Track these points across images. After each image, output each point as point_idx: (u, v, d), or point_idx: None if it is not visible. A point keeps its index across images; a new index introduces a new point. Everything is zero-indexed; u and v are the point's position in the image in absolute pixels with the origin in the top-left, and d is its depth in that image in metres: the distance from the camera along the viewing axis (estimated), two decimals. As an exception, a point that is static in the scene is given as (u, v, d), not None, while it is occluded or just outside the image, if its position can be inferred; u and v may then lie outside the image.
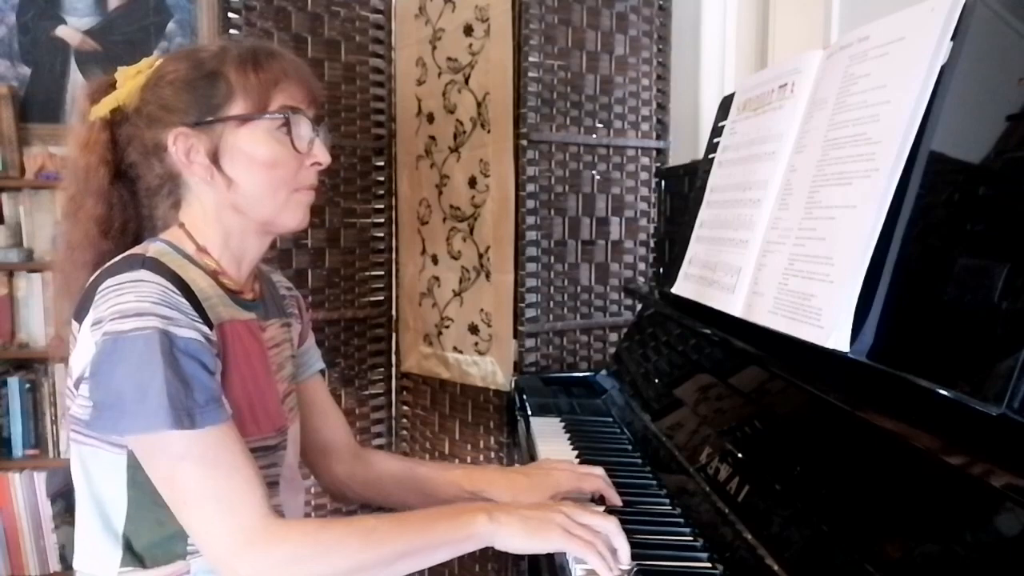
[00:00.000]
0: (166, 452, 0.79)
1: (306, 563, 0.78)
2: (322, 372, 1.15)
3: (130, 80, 0.92)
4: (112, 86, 0.93)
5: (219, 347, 0.86)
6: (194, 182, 0.91)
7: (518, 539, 0.80)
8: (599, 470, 1.01)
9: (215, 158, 0.88)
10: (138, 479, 0.83)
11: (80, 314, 0.83)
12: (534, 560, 0.88)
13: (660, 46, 1.94)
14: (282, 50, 0.94)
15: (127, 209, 0.95)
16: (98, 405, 0.79)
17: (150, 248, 0.88)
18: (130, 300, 0.79)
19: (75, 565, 0.90)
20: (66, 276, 0.93)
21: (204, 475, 0.79)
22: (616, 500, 0.97)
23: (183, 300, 0.82)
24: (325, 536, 0.80)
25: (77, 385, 0.83)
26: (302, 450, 1.12)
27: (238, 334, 0.91)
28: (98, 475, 0.86)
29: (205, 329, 0.83)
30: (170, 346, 0.78)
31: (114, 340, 0.77)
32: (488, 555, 1.87)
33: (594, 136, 1.87)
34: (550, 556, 0.88)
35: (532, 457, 1.22)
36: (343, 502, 1.80)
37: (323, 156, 0.94)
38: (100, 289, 0.81)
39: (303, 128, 0.91)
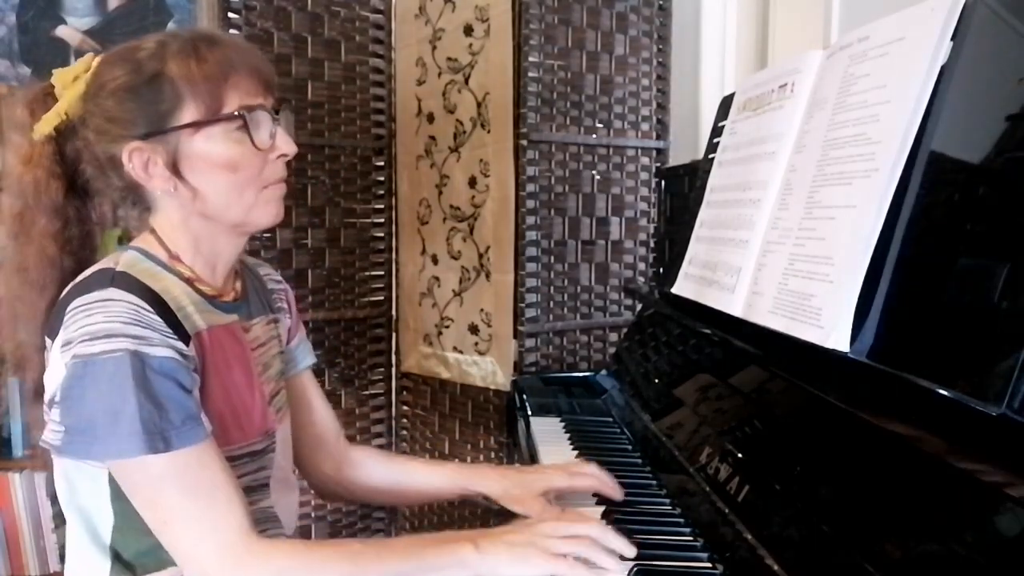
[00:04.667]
0: (144, 474, 0.78)
1: None
2: (313, 367, 1.13)
3: (69, 88, 0.87)
4: (49, 93, 0.88)
5: (197, 360, 0.84)
6: (157, 193, 0.87)
7: (504, 567, 0.79)
8: (593, 467, 0.99)
9: (175, 169, 0.84)
10: (122, 492, 0.82)
11: (52, 332, 0.81)
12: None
13: (660, 46, 1.94)
14: (224, 35, 0.89)
15: (85, 222, 0.91)
16: (70, 430, 0.77)
17: (121, 259, 0.85)
18: (99, 321, 0.76)
19: (66, 575, 0.89)
20: (19, 299, 0.88)
21: (184, 496, 0.78)
22: (616, 495, 0.96)
23: (155, 317, 0.79)
24: (310, 557, 0.80)
25: (50, 407, 0.81)
26: (293, 440, 1.10)
27: (218, 340, 0.89)
28: (82, 488, 0.85)
29: (180, 345, 0.81)
30: (142, 367, 0.76)
31: (84, 363, 0.75)
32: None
33: (594, 136, 1.87)
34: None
35: (532, 457, 1.21)
36: (331, 500, 1.79)
37: (288, 147, 0.89)
38: (69, 309, 0.78)
39: (262, 124, 0.86)
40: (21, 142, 0.88)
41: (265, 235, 1.91)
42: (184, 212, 0.88)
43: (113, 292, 0.79)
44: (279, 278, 1.11)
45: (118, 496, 0.83)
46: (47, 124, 0.87)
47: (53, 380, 0.80)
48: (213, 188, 0.86)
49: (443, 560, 0.80)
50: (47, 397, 0.81)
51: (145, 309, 0.79)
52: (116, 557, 0.85)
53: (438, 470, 1.09)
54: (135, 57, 0.84)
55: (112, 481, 0.82)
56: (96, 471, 0.83)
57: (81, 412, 0.76)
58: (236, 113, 0.84)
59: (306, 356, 1.12)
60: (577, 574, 0.77)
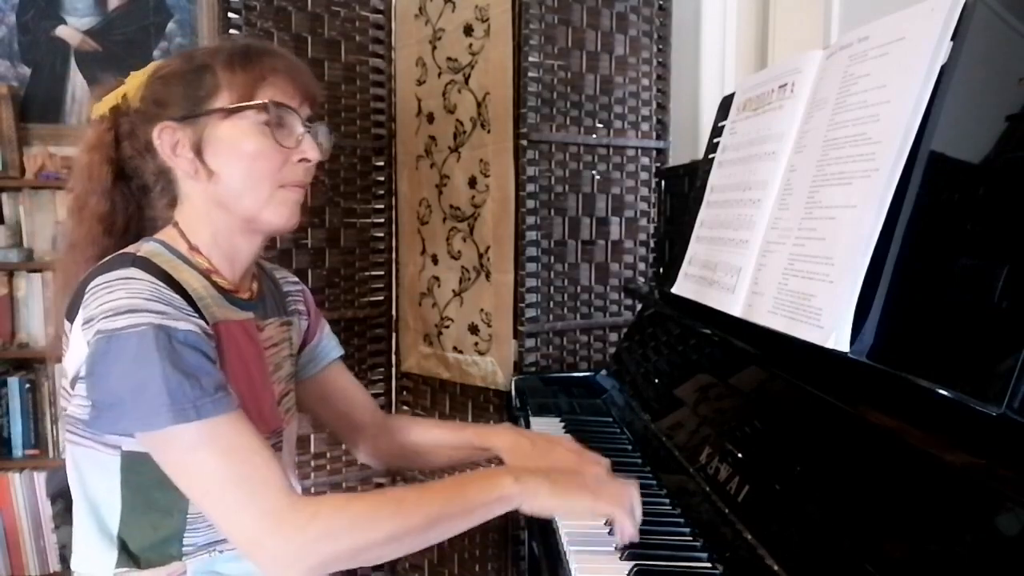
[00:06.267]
0: (177, 445, 0.78)
1: (339, 537, 0.77)
2: (341, 358, 1.16)
3: (135, 79, 0.93)
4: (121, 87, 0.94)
5: (213, 346, 0.85)
6: (182, 178, 0.91)
7: (546, 499, 0.80)
8: (605, 461, 0.99)
9: (199, 151, 0.88)
10: (131, 481, 0.83)
11: (71, 312, 0.83)
12: (533, 560, 0.88)
13: (660, 46, 1.94)
14: (280, 50, 0.93)
15: (129, 207, 0.95)
16: (97, 405, 0.78)
17: (143, 248, 0.87)
18: (121, 297, 0.78)
19: (72, 565, 0.90)
20: (67, 274, 0.93)
21: (221, 462, 0.77)
22: None
23: (176, 296, 0.81)
24: (355, 508, 0.79)
25: (73, 384, 0.82)
26: (333, 427, 1.16)
27: (232, 335, 0.90)
28: (92, 477, 0.86)
29: (202, 322, 0.82)
30: (168, 340, 0.77)
31: (107, 339, 0.76)
32: (487, 553, 1.87)
33: (594, 136, 1.87)
34: (548, 546, 0.88)
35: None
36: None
37: (312, 152, 0.91)
38: (89, 287, 0.80)
39: (289, 123, 0.90)
40: (88, 130, 0.95)
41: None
42: (205, 200, 0.90)
43: (134, 271, 0.80)
44: (295, 280, 1.13)
45: (127, 485, 0.84)
46: (105, 104, 0.93)
47: (74, 358, 0.81)
48: (230, 175, 0.89)
49: (487, 495, 0.80)
50: (69, 375, 0.83)
51: (165, 288, 0.81)
52: (123, 547, 0.86)
53: (460, 434, 1.13)
54: (192, 52, 0.92)
55: (123, 469, 0.83)
56: (108, 458, 0.84)
57: (108, 387, 0.77)
58: (263, 104, 0.87)
59: (333, 349, 1.15)
60: (618, 512, 0.80)
